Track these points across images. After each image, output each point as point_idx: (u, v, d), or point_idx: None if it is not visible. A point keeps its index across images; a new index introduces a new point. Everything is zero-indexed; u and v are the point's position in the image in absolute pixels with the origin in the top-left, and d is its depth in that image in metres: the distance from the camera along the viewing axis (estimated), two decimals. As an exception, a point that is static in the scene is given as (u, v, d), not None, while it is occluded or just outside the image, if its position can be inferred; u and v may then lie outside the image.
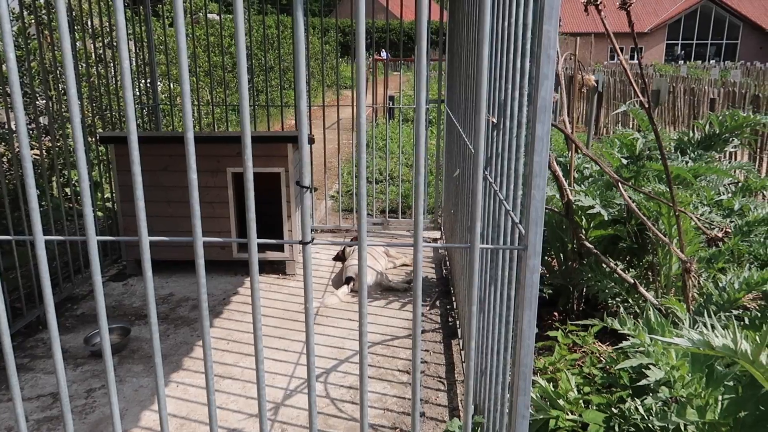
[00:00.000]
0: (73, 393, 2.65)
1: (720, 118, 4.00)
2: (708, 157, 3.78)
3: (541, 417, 2.05)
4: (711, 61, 33.66)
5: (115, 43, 4.26)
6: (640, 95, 1.99)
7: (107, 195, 4.43)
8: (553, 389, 2.14)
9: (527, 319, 1.23)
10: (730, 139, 4.08)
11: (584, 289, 3.16)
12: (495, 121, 1.51)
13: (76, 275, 3.77)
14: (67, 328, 3.24)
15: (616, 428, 1.88)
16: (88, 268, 3.92)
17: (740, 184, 4.09)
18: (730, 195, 3.70)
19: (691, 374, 1.39)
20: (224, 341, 3.10)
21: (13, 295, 3.25)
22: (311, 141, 4.64)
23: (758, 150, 5.26)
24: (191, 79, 8.59)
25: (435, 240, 4.80)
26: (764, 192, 4.61)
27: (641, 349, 1.49)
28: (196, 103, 7.61)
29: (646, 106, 1.95)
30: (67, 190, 4.34)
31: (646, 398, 1.59)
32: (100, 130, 4.20)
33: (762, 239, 2.82)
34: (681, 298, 2.17)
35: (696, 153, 3.82)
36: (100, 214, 4.87)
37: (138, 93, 4.62)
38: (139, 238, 1.24)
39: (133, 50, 4.63)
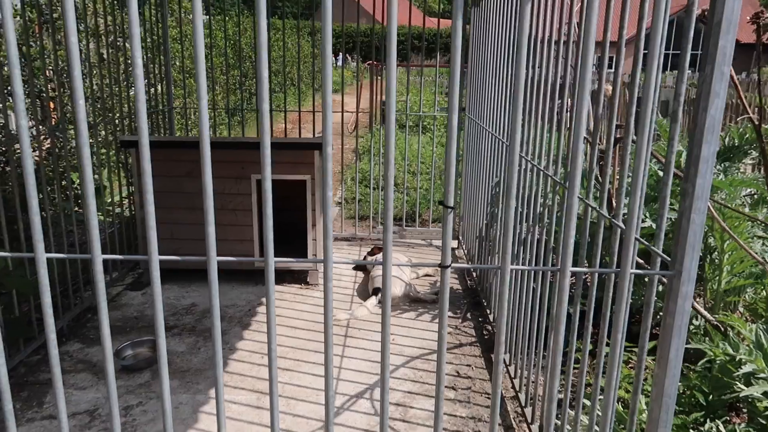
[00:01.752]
0: (109, 411, 2.51)
1: (740, 130, 4.03)
2: (735, 169, 3.81)
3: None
4: (688, 71, 34.45)
5: (119, 44, 4.12)
6: (749, 111, 1.97)
7: (116, 199, 4.29)
8: (623, 409, 2.10)
9: (675, 348, 1.17)
10: (749, 151, 4.11)
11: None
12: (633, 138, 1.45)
13: (86, 286, 3.62)
14: (91, 341, 3.10)
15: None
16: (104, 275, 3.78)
17: (755, 196, 4.12)
18: (747, 206, 3.72)
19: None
20: (258, 355, 2.99)
21: (26, 304, 3.10)
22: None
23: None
24: (190, 82, 8.43)
25: (453, 249, 4.74)
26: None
27: (762, 375, 1.45)
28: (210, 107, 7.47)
29: (756, 122, 1.93)
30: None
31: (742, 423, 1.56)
32: (102, 133, 4.07)
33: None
34: (750, 316, 2.14)
35: (723, 165, 3.83)
36: (108, 219, 4.72)
37: (151, 97, 4.48)
38: (149, 258, 1.13)
39: (145, 52, 4.49)
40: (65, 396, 2.57)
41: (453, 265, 1.16)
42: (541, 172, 2.32)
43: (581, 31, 2.15)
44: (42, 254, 1.11)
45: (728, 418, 2.19)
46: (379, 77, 5.56)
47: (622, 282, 1.13)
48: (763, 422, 1.89)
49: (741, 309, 2.82)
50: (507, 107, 3.13)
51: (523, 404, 2.49)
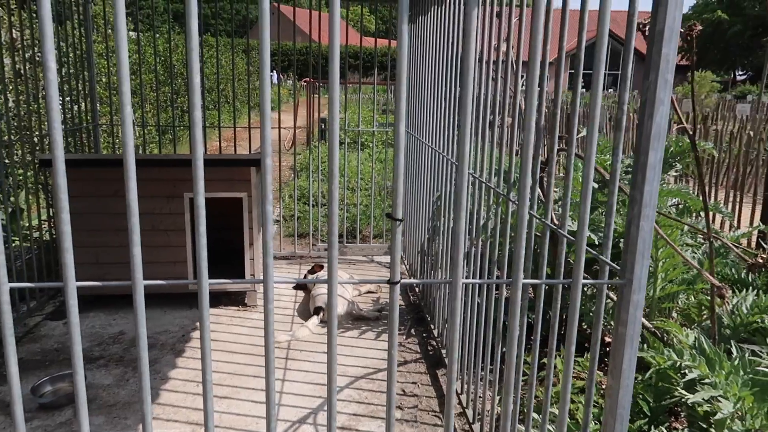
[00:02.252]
0: (25, 454, 2.29)
1: (667, 143, 4.23)
2: (663, 181, 3.98)
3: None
4: (609, 90, 36.31)
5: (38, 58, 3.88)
6: (684, 121, 2.02)
7: (35, 222, 3.99)
8: (570, 420, 2.09)
9: (628, 358, 1.15)
10: (674, 164, 4.31)
11: (565, 314, 3.17)
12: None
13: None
14: (3, 377, 2.83)
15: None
16: (13, 306, 3.49)
17: (680, 206, 4.32)
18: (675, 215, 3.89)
19: (757, 405, 1.38)
20: (193, 383, 2.82)
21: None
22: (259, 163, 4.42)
23: (711, 181, 5.58)
24: (116, 99, 8.07)
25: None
26: (700, 213, 4.91)
27: (707, 381, 1.46)
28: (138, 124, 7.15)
29: (690, 132, 1.99)
30: None
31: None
32: (19, 152, 3.79)
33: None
34: (684, 321, 2.20)
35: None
36: (25, 245, 4.40)
37: (75, 114, 4.23)
38: (65, 284, 0.99)
39: (68, 67, 4.24)
40: (-26, 440, 2.33)
41: (403, 281, 1.09)
42: (483, 185, 2.31)
43: (517, 50, 2.17)
44: None
45: (669, 423, 2.22)
46: (315, 95, 5.49)
47: (575, 292, 1.11)
48: (704, 426, 1.92)
49: (675, 315, 2.90)
50: (446, 122, 3.14)
51: (471, 421, 2.45)
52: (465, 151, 1.05)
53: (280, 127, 4.88)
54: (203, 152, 1.05)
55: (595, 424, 2.11)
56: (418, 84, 3.93)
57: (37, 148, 3.80)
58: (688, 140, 4.07)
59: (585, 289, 3.01)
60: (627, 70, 1.19)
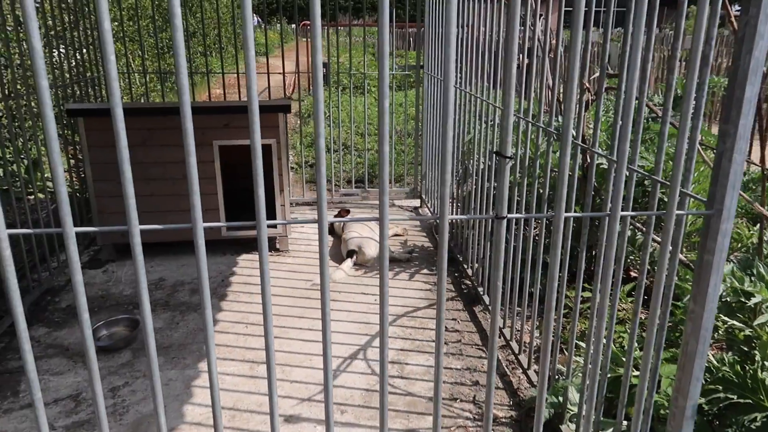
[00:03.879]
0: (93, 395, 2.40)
1: (684, 80, 4.21)
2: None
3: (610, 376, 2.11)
4: (618, 29, 35.54)
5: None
6: None
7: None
8: (616, 348, 2.20)
9: (713, 284, 1.22)
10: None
11: (594, 250, 3.27)
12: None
13: (42, 263, 3.41)
14: (57, 324, 2.93)
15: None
16: (53, 254, 3.56)
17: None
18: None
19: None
20: (242, 325, 2.92)
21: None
22: (288, 109, 4.40)
23: (710, 116, 5.63)
24: (117, 46, 7.90)
25: (415, 208, 4.77)
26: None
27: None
28: (124, 70, 7.02)
29: None
30: (0, 170, 3.88)
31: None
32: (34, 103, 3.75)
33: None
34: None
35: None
36: (41, 196, 4.42)
37: (79, 63, 4.17)
38: (129, 228, 1.04)
39: (68, 14, 4.14)
40: (42, 383, 2.44)
41: (509, 215, 1.15)
42: (530, 125, 2.35)
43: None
44: (3, 230, 1.01)
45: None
46: (304, 39, 5.40)
47: (668, 224, 1.17)
48: (744, 348, 2.03)
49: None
50: (478, 62, 3.13)
51: (517, 352, 2.57)
52: (511, 89, 1.09)
53: (269, 73, 4.61)
54: (223, 100, 1.08)
55: (639, 351, 2.23)
56: (439, 23, 3.88)
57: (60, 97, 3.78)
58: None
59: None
60: (682, 15, 1.21)
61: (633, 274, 3.35)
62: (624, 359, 2.10)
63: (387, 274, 1.16)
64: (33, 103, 4.08)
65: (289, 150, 4.93)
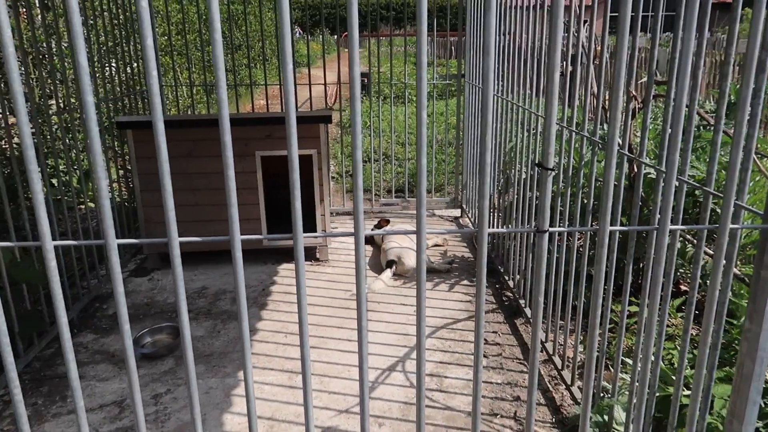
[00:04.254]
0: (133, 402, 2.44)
1: (738, 87, 4.04)
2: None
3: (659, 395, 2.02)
4: (666, 33, 34.57)
5: (99, 17, 3.93)
6: None
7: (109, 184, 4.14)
8: (666, 366, 2.11)
9: (772, 301, 1.15)
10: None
11: (641, 262, 3.15)
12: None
13: (92, 271, 3.52)
14: (105, 330, 3.01)
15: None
16: (102, 263, 3.67)
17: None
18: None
19: None
20: (281, 334, 2.94)
21: (35, 296, 2.98)
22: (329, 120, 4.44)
23: (766, 124, 5.39)
24: (165, 59, 8.15)
25: (456, 218, 4.72)
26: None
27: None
28: (172, 83, 7.20)
29: None
30: (54, 180, 4.02)
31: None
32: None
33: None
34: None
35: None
36: (91, 205, 4.57)
37: (128, 77, 4.31)
38: (169, 240, 1.04)
39: (120, 30, 4.29)
40: (87, 389, 2.50)
41: (550, 229, 1.11)
42: (573, 134, 2.29)
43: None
44: (49, 242, 1.02)
45: None
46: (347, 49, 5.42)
47: (720, 239, 1.11)
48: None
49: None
50: (520, 70, 3.08)
51: (560, 368, 2.50)
52: (552, 99, 1.04)
53: (310, 84, 4.63)
54: (266, 111, 1.07)
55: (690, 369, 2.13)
56: (480, 31, 3.85)
57: (109, 110, 3.91)
58: None
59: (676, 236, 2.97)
60: (735, 24, 1.15)
61: (683, 287, 3.22)
62: (674, 378, 2.01)
63: (424, 288, 1.14)
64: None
65: (330, 160, 4.97)
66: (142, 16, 0.96)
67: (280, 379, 2.56)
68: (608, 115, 1.01)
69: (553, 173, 1.05)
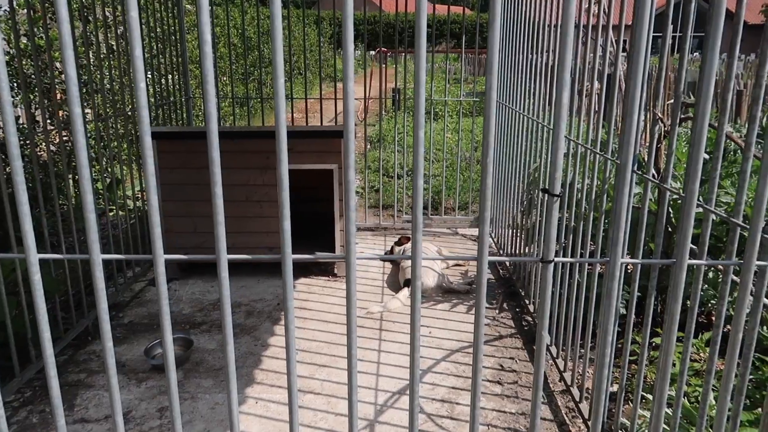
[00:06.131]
0: (144, 413, 2.42)
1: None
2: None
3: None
4: (695, 54, 33.96)
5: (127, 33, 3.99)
6: None
7: (128, 193, 4.19)
8: (690, 404, 1.99)
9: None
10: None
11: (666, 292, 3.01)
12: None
13: (110, 280, 3.53)
14: (118, 339, 3.00)
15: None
16: (120, 271, 3.68)
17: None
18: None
19: None
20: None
21: (50, 303, 3.00)
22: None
23: None
24: (194, 71, 8.29)
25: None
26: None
27: None
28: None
29: None
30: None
31: None
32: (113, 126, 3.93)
33: None
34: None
35: None
36: (121, 213, 4.61)
37: (163, 88, 4.36)
38: (154, 257, 1.02)
39: (156, 43, 4.35)
40: (95, 398, 2.49)
41: (556, 259, 1.04)
42: (597, 156, 2.20)
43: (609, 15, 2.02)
44: (34, 255, 1.00)
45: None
46: (384, 65, 5.41)
47: (745, 276, 1.01)
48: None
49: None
50: (542, 90, 3.01)
51: (578, 400, 2.38)
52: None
53: (335, 98, 4.72)
54: (290, 124, 1.02)
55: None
56: (508, 52, 3.78)
57: (131, 121, 3.95)
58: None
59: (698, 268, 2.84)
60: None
61: (714, 319, 3.06)
62: (697, 416, 1.89)
63: (419, 319, 1.08)
64: (119, 125, 4.29)
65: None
66: (132, 27, 0.94)
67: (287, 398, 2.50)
68: (619, 141, 0.93)
69: (558, 199, 0.98)
